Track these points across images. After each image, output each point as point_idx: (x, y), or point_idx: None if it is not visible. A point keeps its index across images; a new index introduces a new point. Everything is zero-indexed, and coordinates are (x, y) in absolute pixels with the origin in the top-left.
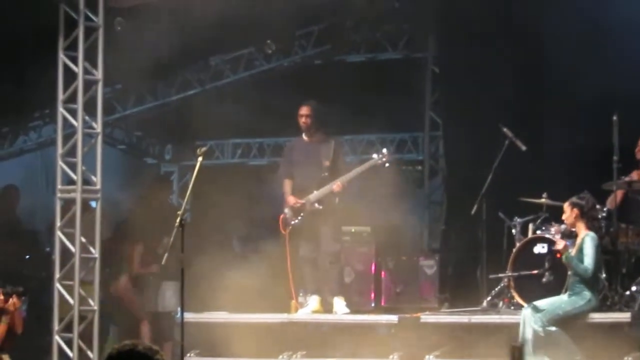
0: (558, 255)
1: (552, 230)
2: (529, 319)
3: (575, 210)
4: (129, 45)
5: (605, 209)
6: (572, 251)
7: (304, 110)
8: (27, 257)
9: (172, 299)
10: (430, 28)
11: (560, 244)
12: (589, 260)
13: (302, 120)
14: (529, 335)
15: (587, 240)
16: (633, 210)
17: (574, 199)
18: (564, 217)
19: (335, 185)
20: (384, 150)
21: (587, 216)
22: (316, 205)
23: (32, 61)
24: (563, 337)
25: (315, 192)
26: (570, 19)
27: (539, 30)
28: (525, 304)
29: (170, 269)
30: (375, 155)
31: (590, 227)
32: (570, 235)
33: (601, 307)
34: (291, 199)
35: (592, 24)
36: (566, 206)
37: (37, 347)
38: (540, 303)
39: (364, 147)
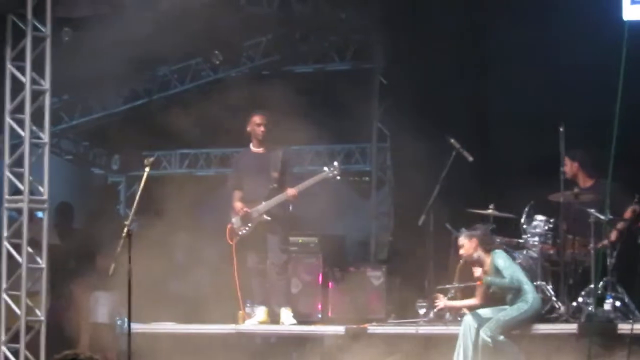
0: (479, 283)
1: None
2: (472, 326)
3: (475, 240)
4: (77, 55)
5: (551, 220)
6: (487, 275)
7: (261, 119)
8: None
9: (106, 309)
10: (377, 39)
11: (476, 271)
12: (509, 271)
13: (260, 129)
14: (470, 342)
15: (495, 257)
16: (580, 221)
17: (469, 232)
18: (462, 251)
19: (290, 192)
20: (335, 163)
21: (486, 242)
22: (264, 216)
23: None
24: (511, 348)
25: (263, 202)
26: (516, 29)
27: (485, 41)
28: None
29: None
30: (326, 168)
31: (490, 248)
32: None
33: (548, 319)
34: (238, 205)
35: (538, 34)
36: (462, 240)
37: None
38: (484, 311)
39: (312, 157)
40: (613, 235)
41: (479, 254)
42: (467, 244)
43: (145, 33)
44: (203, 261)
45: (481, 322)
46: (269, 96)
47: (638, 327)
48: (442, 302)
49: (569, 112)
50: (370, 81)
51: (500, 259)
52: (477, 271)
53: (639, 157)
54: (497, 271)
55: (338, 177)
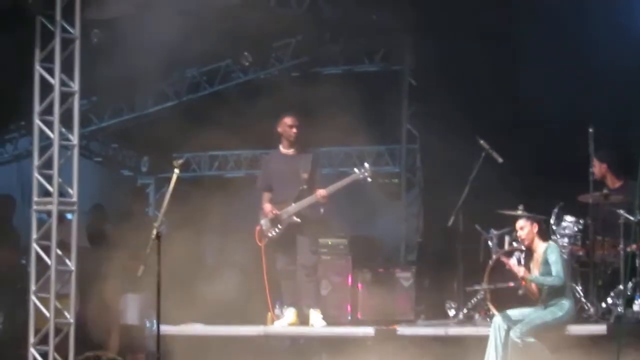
0: (523, 283)
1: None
2: (500, 328)
3: (536, 225)
4: (106, 57)
5: (581, 221)
6: (534, 268)
7: (293, 121)
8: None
9: (136, 311)
10: (407, 40)
11: (520, 271)
12: (557, 267)
13: (292, 130)
14: (500, 343)
15: (552, 249)
16: (609, 222)
17: (530, 215)
18: (521, 233)
19: (320, 192)
20: (366, 165)
21: (545, 230)
22: (294, 218)
23: (8, 73)
24: (540, 349)
25: (293, 204)
26: (545, 31)
27: (515, 42)
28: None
29: (137, 280)
30: (356, 170)
31: (546, 238)
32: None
33: (578, 319)
34: (268, 206)
35: (568, 35)
36: (524, 222)
37: None
38: (513, 312)
39: (341, 159)
40: None
41: (537, 240)
42: (528, 227)
43: (174, 34)
44: (232, 263)
45: (511, 323)
46: (298, 98)
47: None
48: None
49: (598, 113)
50: (400, 83)
51: (555, 252)
52: (520, 271)
53: None
54: (546, 263)
55: (369, 179)
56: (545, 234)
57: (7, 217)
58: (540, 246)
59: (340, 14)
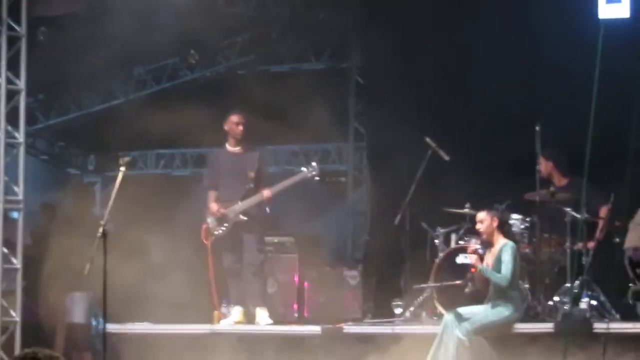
0: (473, 270)
1: (471, 244)
2: (451, 326)
3: (496, 220)
4: (52, 54)
5: (527, 219)
6: (489, 262)
7: (239, 119)
8: None
9: (82, 309)
10: (354, 38)
11: (472, 258)
12: (506, 268)
13: (238, 128)
14: (449, 341)
15: (507, 249)
16: (556, 220)
17: (492, 210)
18: (480, 227)
19: (266, 193)
20: (314, 164)
21: (507, 227)
22: (241, 216)
23: None
24: (486, 347)
25: (240, 202)
26: (494, 28)
27: (463, 40)
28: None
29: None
30: (304, 169)
31: (508, 237)
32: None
33: (524, 318)
34: (214, 206)
35: (516, 32)
36: (484, 216)
37: None
38: (464, 311)
39: (288, 157)
40: (598, 235)
41: (496, 235)
42: (487, 220)
43: (121, 32)
44: (179, 261)
45: (461, 321)
46: (245, 95)
47: (614, 326)
48: (472, 257)
49: (545, 112)
50: (347, 80)
51: (509, 252)
52: (472, 258)
53: (613, 157)
54: (499, 261)
55: (317, 178)
56: (509, 231)
57: None
58: (499, 242)
59: (288, 12)
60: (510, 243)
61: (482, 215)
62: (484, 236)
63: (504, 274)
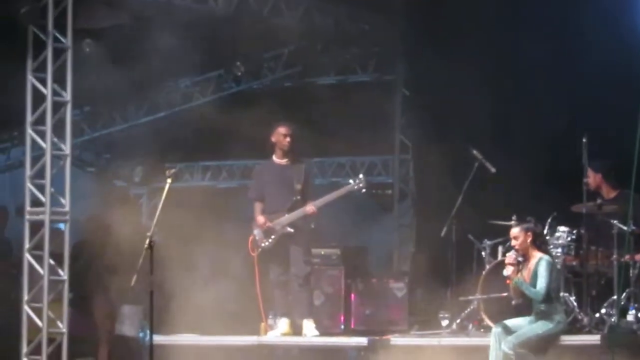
0: (508, 282)
1: (511, 255)
2: (498, 339)
3: (530, 235)
4: (98, 67)
5: (574, 231)
6: (525, 275)
7: (286, 130)
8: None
9: (133, 323)
10: (399, 50)
11: (508, 270)
12: (542, 282)
13: (285, 140)
14: (499, 356)
15: (543, 263)
16: (602, 233)
17: (525, 225)
18: (514, 243)
19: (310, 209)
20: (361, 176)
21: (540, 240)
22: (288, 228)
23: (0, 83)
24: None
25: (286, 215)
26: (540, 42)
27: (509, 52)
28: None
29: (133, 291)
30: (351, 181)
31: (544, 251)
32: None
33: (571, 330)
34: (260, 219)
35: (561, 44)
36: (518, 231)
37: None
38: (510, 323)
39: (334, 170)
40: None
41: (531, 250)
42: (522, 236)
43: (167, 44)
44: (226, 273)
45: (508, 333)
46: (291, 108)
47: None
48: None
49: (592, 123)
50: (393, 93)
51: (544, 266)
52: (508, 270)
53: None
54: (535, 275)
55: (364, 190)
56: (543, 244)
57: (0, 228)
58: (534, 256)
59: (333, 24)
60: (546, 257)
61: (515, 231)
62: (520, 252)
63: (538, 288)
